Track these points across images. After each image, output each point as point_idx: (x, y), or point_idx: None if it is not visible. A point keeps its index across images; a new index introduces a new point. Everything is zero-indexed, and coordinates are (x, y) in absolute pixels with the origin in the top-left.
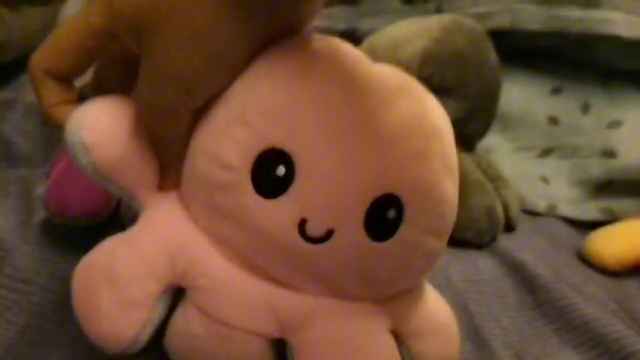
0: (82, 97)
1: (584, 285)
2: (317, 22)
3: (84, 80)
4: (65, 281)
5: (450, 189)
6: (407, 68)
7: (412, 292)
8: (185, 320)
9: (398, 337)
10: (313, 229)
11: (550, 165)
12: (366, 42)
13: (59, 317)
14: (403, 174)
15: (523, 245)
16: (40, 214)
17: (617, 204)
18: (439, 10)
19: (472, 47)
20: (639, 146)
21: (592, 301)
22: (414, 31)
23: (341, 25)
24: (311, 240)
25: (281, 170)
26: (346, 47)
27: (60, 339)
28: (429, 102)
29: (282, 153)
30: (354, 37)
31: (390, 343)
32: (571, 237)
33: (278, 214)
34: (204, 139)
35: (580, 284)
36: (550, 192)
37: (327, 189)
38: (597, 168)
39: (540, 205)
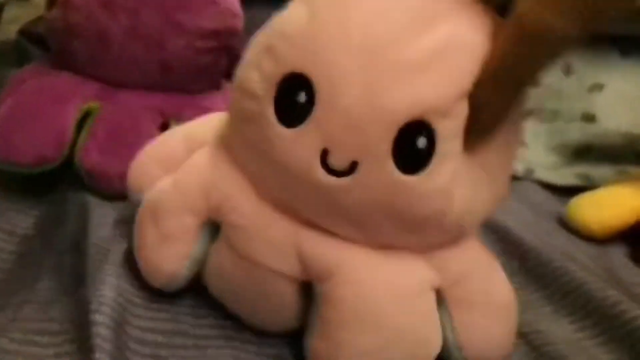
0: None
1: (570, 251)
2: None
3: None
4: (10, 234)
5: None
6: None
7: (463, 249)
8: (217, 254)
9: (441, 299)
10: (335, 161)
11: (528, 128)
12: None
13: (6, 277)
14: (434, 100)
15: (503, 210)
16: None
17: (594, 170)
18: None
19: None
20: (619, 111)
21: (581, 266)
22: None
23: None
24: (334, 173)
25: (302, 96)
26: None
27: (11, 303)
28: (467, 24)
29: (302, 78)
30: None
31: (427, 304)
32: (550, 202)
33: (299, 144)
34: (240, 70)
35: (567, 250)
36: (528, 156)
37: (349, 115)
38: (577, 132)
39: (518, 168)
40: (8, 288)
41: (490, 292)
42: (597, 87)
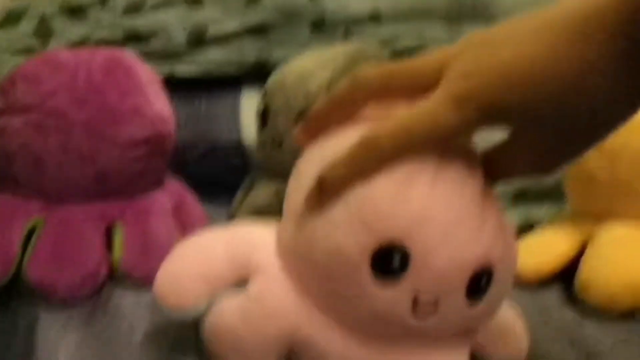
0: None
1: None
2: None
3: None
4: None
5: (516, 246)
6: (317, 97)
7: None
8: None
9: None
10: (423, 306)
11: None
12: (275, 76)
13: None
14: (495, 249)
15: None
16: None
17: (536, 210)
18: (347, 33)
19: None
20: None
21: None
22: (320, 62)
23: (251, 58)
24: (421, 317)
25: (397, 261)
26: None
27: None
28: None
29: (397, 246)
30: (265, 69)
31: None
32: None
33: (392, 299)
34: (322, 232)
35: None
36: None
37: (439, 272)
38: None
39: None
40: None
41: (500, 321)
42: None
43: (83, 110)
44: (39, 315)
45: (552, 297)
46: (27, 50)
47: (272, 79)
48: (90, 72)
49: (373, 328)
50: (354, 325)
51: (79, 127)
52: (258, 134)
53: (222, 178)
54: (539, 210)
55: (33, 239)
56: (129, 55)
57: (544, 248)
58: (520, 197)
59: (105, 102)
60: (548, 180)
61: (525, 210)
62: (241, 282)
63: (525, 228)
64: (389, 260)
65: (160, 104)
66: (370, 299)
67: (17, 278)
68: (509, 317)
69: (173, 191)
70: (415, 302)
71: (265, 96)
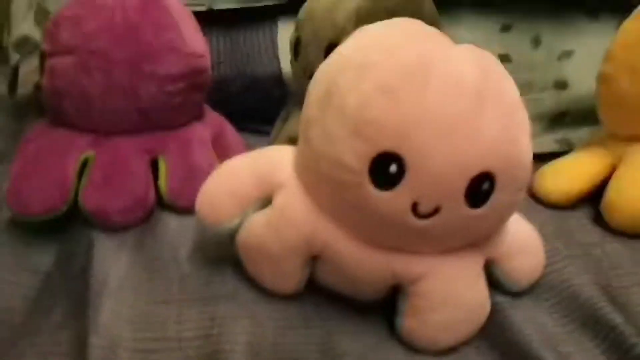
0: None
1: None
2: None
3: None
4: (34, 273)
5: (529, 150)
6: (344, 28)
7: (503, 233)
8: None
9: (490, 262)
10: (424, 208)
11: None
12: (305, 7)
13: (28, 310)
14: (495, 156)
15: None
16: (7, 211)
17: (573, 134)
18: None
19: (405, 1)
20: (590, 75)
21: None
22: None
23: None
24: (422, 216)
25: (394, 168)
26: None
27: (31, 331)
28: (504, 85)
29: (393, 154)
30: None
31: (483, 290)
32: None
33: (393, 203)
34: (325, 146)
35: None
36: None
37: (434, 178)
38: (551, 100)
39: None
40: (28, 319)
41: (517, 237)
42: (567, 55)
43: (122, 48)
44: (95, 238)
45: (578, 218)
46: None
47: (302, 10)
48: (126, 11)
49: (381, 233)
50: (364, 232)
51: (120, 65)
52: (292, 65)
53: (263, 109)
54: (577, 133)
55: (86, 171)
56: None
57: (574, 170)
58: (558, 120)
59: (141, 40)
60: (586, 102)
61: (564, 133)
62: (267, 201)
63: (563, 152)
64: (387, 168)
65: (195, 40)
66: (373, 205)
67: (74, 206)
68: (527, 234)
69: (213, 123)
70: (415, 204)
71: (297, 27)
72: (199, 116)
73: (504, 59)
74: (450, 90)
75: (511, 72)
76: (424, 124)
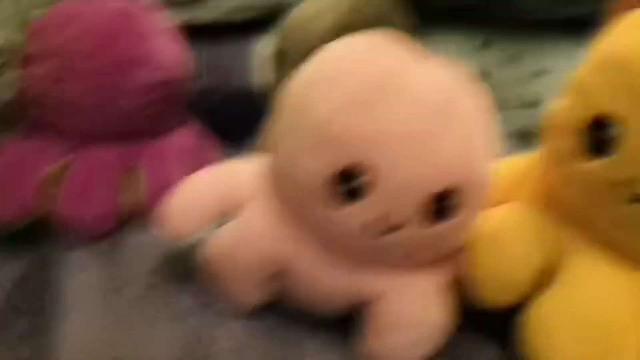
0: None
1: None
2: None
3: None
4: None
5: (491, 168)
6: (322, 39)
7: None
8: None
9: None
10: (386, 224)
11: None
12: (287, 19)
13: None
14: (457, 173)
15: None
16: None
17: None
18: None
19: (381, 16)
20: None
21: None
22: (326, 5)
23: (271, 2)
24: (384, 232)
25: (356, 183)
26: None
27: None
28: (470, 101)
29: (357, 169)
30: (281, 13)
31: (442, 298)
32: None
33: (357, 216)
34: (290, 157)
35: None
36: None
37: (397, 193)
38: (520, 118)
39: None
40: None
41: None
42: (542, 73)
43: (101, 56)
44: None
45: None
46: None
47: (284, 22)
48: (105, 19)
49: (343, 249)
50: (325, 247)
51: (98, 73)
52: (273, 77)
53: (244, 121)
54: None
55: (63, 179)
56: (141, 3)
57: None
58: (530, 137)
59: (120, 49)
60: None
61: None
62: (232, 215)
63: None
64: (350, 183)
65: (172, 50)
66: (335, 219)
67: (42, 220)
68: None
69: (192, 134)
70: (377, 219)
71: (278, 39)
72: (177, 126)
73: (484, 75)
74: (415, 106)
75: (490, 89)
76: (388, 139)
